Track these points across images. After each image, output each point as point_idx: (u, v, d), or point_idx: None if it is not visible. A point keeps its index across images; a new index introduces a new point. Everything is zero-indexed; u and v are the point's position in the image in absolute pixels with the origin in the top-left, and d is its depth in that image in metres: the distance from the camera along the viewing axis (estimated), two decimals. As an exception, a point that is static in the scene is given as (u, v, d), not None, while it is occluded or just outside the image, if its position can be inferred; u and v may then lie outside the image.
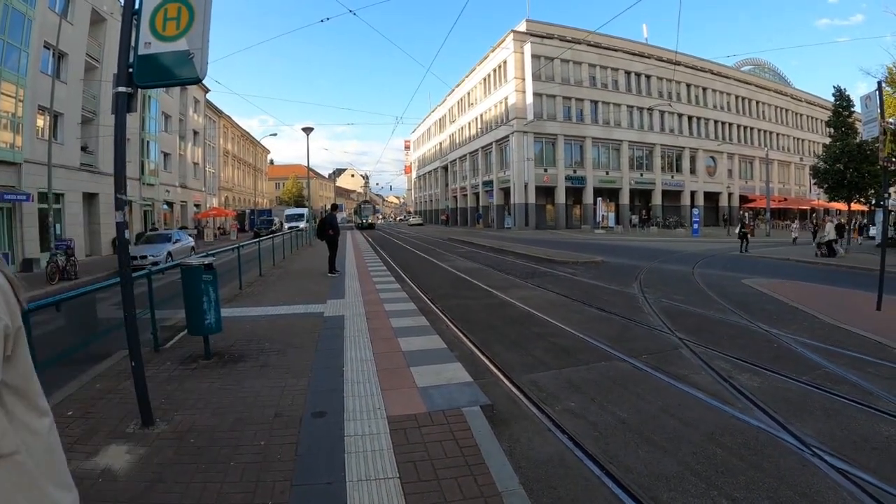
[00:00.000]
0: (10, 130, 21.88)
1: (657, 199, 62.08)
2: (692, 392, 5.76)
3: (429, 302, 11.47)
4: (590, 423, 5.03)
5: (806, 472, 4.03)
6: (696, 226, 45.05)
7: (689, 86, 63.65)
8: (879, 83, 12.31)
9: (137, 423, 4.74)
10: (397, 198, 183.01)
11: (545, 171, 55.37)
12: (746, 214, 42.30)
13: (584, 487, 3.87)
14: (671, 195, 63.66)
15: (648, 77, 61.12)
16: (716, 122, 65.93)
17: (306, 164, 42.67)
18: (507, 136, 56.63)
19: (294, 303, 11.08)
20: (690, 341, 7.91)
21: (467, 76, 71.06)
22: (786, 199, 67.79)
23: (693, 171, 64.49)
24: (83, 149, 28.49)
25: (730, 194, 66.41)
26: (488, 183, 63.23)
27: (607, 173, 58.75)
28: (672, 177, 63.09)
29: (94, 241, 29.75)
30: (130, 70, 4.57)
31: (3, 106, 21.25)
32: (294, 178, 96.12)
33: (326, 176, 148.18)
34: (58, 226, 24.78)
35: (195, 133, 50.58)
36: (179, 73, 4.68)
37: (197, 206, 50.42)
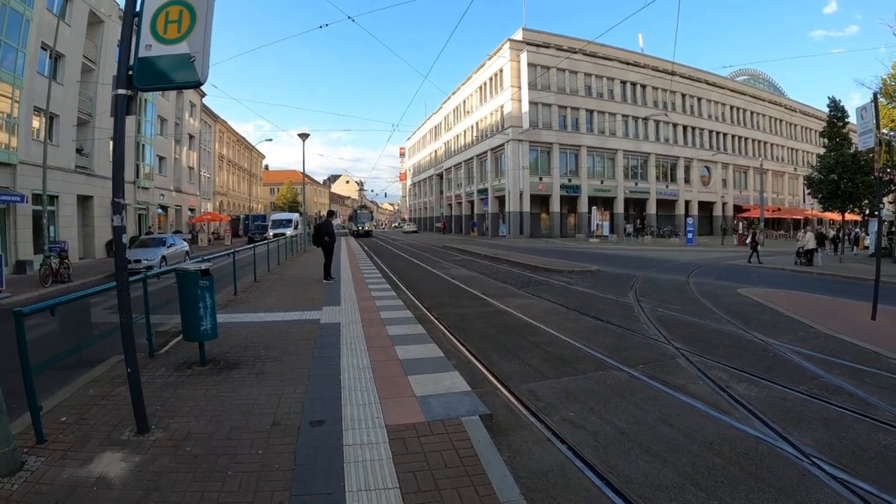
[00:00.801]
0: (6, 131, 21.80)
1: (652, 209, 62.21)
2: (690, 402, 5.75)
3: (425, 310, 11.44)
4: (589, 432, 5.00)
5: (805, 482, 4.02)
6: (690, 235, 45.14)
7: (684, 96, 63.93)
8: (875, 94, 12.40)
9: (132, 430, 4.69)
10: (392, 204, 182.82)
11: (540, 179, 55.41)
12: (754, 226, 42.18)
13: (585, 498, 3.85)
14: (666, 204, 63.81)
15: (644, 87, 61.35)
16: (711, 131, 66.21)
17: (302, 170, 42.57)
18: (502, 145, 56.68)
19: (290, 309, 11.02)
20: (687, 351, 7.91)
21: (463, 84, 71.14)
22: (780, 209, 68.12)
23: (688, 180, 64.66)
24: (78, 151, 28.32)
25: (724, 204, 66.52)
26: (483, 191, 63.26)
27: (602, 182, 58.82)
28: (667, 186, 63.22)
29: (87, 244, 29.56)
30: (130, 72, 4.53)
31: (-1, 106, 21.17)
32: (289, 183, 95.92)
33: (321, 182, 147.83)
34: (52, 228, 24.69)
35: (191, 137, 50.44)
36: (180, 77, 4.64)
37: (192, 210, 50.24)
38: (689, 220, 47.60)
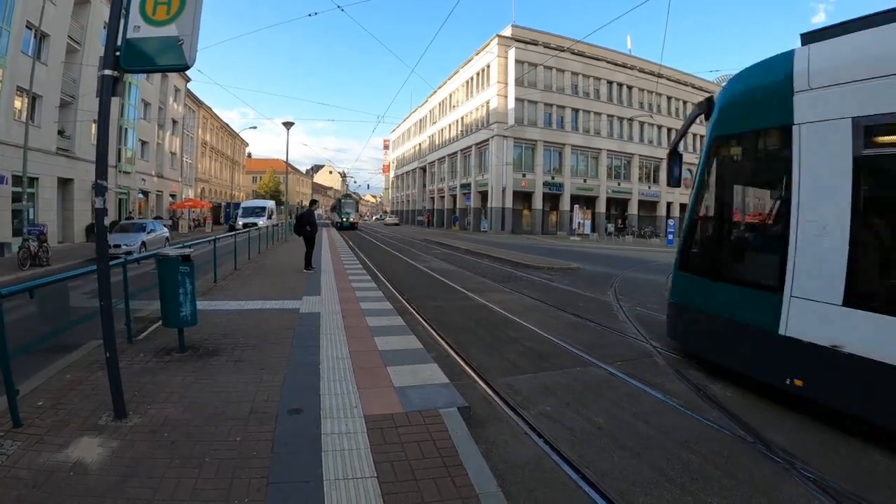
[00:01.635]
0: (-13, 111, 21.37)
1: (633, 209, 62.67)
2: (666, 399, 5.84)
3: (405, 302, 11.46)
4: (566, 427, 5.07)
5: (777, 480, 4.13)
6: (671, 236, 45.52)
7: (669, 98, 64.41)
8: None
9: (110, 416, 4.66)
10: (374, 196, 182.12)
11: (523, 176, 55.53)
12: None
13: (561, 491, 3.91)
14: (647, 205, 64.35)
15: (630, 88, 61.70)
16: (694, 134, 66.70)
17: (285, 159, 42.31)
18: (486, 140, 56.71)
19: (269, 298, 10.98)
20: (664, 349, 8.01)
21: (450, 78, 71.00)
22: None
23: (670, 182, 65.14)
24: (60, 133, 27.83)
25: (705, 206, 67.13)
26: (466, 186, 63.25)
27: (585, 181, 59.10)
28: (649, 187, 63.74)
29: (67, 228, 29.08)
30: (117, 53, 4.48)
31: (-20, 86, 20.79)
32: (272, 172, 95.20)
33: (304, 172, 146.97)
34: (31, 210, 24.25)
35: (174, 122, 49.84)
36: (167, 59, 4.60)
37: (173, 196, 49.67)
38: (671, 222, 48.00)
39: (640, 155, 62.03)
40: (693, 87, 65.54)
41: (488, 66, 57.52)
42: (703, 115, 7.27)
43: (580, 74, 58.13)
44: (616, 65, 60.79)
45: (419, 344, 7.60)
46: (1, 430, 4.30)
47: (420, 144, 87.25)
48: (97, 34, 29.44)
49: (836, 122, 5.17)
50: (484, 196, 58.85)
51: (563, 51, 51.54)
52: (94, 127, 30.35)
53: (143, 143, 40.92)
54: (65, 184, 28.74)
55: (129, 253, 18.15)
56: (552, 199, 58.65)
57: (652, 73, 57.50)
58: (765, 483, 4.08)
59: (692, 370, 6.98)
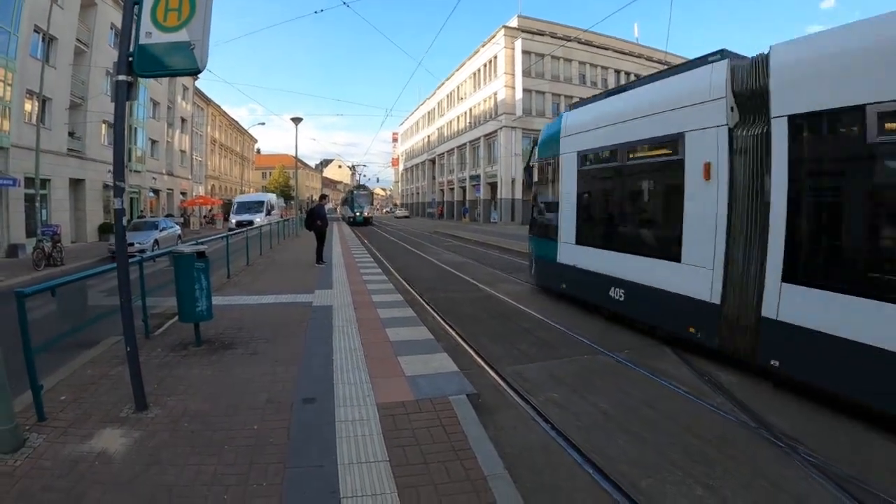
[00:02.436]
0: (-1, 114, 21.67)
1: (643, 197, 62.36)
2: (672, 386, 5.94)
3: (416, 294, 11.60)
4: (572, 413, 5.19)
5: (779, 464, 4.22)
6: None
7: (677, 85, 63.92)
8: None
9: (131, 408, 4.83)
10: (384, 189, 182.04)
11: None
12: None
13: (567, 473, 4.04)
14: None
15: (638, 76, 61.25)
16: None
17: (294, 154, 42.46)
18: (495, 131, 56.64)
19: (282, 292, 11.15)
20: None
21: (457, 70, 70.80)
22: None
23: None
24: (70, 134, 28.21)
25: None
26: (475, 177, 63.19)
27: (594, 170, 58.84)
28: (658, 175, 63.40)
29: (79, 228, 29.49)
30: (131, 59, 4.62)
31: (-8, 89, 21.04)
32: (281, 167, 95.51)
33: (313, 166, 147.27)
34: (44, 211, 24.57)
35: (183, 120, 50.09)
36: (179, 64, 4.72)
37: (183, 194, 49.98)
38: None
39: (648, 143, 61.60)
40: (701, 73, 64.93)
41: (495, 58, 57.32)
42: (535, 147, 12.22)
43: (587, 64, 57.84)
44: (623, 53, 60.37)
45: (430, 334, 7.74)
46: (26, 424, 4.47)
47: (429, 137, 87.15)
48: (104, 36, 29.74)
49: (571, 154, 10.02)
50: (493, 187, 58.77)
51: (569, 40, 51.27)
52: (104, 128, 30.71)
53: (153, 141, 41.17)
54: (76, 184, 29.11)
55: (142, 251, 18.43)
56: (562, 190, 58.42)
57: (659, 62, 57.02)
58: (767, 466, 4.17)
59: (699, 360, 7.02)
